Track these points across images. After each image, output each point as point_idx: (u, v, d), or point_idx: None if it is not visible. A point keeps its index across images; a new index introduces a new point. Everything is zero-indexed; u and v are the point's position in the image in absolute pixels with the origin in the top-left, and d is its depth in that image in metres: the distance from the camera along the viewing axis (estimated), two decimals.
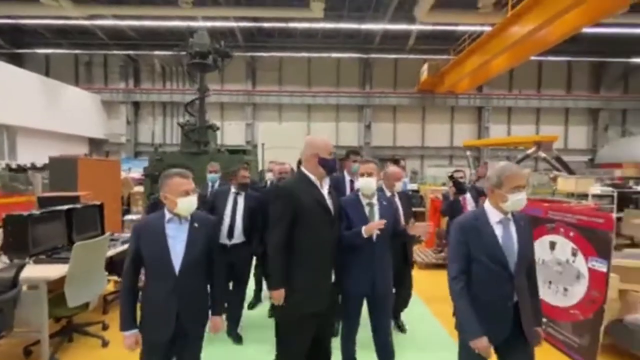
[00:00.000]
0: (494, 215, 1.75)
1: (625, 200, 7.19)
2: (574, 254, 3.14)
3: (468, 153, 15.05)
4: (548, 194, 7.72)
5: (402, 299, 3.54)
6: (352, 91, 20.26)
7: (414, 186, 13.55)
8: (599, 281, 2.88)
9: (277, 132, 19.54)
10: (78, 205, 3.96)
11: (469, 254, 1.73)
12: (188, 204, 1.85)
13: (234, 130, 20.35)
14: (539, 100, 20.03)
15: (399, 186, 3.35)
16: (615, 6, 10.05)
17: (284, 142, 18.57)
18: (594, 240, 2.96)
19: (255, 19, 16.15)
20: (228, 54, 8.34)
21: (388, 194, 3.22)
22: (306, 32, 18.21)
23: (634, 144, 17.04)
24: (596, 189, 6.97)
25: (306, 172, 2.12)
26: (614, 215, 6.48)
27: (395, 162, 17.99)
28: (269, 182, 4.85)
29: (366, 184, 2.40)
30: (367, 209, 2.41)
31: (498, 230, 1.72)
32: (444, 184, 12.35)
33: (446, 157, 20.77)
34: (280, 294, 1.98)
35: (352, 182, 3.69)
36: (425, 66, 18.04)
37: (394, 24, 15.86)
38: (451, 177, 4.88)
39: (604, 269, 2.84)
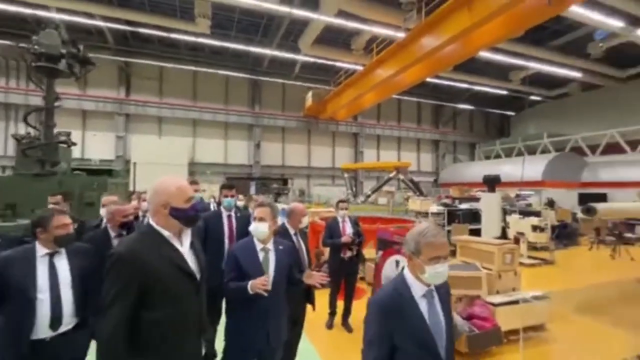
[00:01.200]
0: (417, 288, 1.48)
1: (452, 216, 9.34)
2: None
3: (346, 175, 16.91)
4: (402, 212, 9.44)
5: (296, 334, 3.06)
6: (242, 110, 20.23)
7: None
8: None
9: (155, 146, 17.82)
10: None
11: (392, 342, 1.44)
12: None
13: (100, 142, 17.46)
14: (399, 131, 24.26)
15: (304, 222, 3.36)
16: (443, 65, 13.26)
17: (164, 157, 17.08)
18: None
19: (129, 22, 14.53)
20: (88, 61, 7.15)
21: (292, 232, 3.02)
22: (192, 45, 17.41)
23: (461, 169, 22.60)
24: (434, 208, 8.88)
25: (157, 226, 1.56)
26: (446, 228, 8.28)
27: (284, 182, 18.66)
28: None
29: (256, 229, 2.21)
30: (261, 255, 2.20)
31: (423, 307, 1.46)
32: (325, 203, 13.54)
33: (329, 177, 22.71)
34: None
35: (231, 216, 3.42)
36: (310, 93, 19.63)
37: (281, 51, 16.77)
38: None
39: None
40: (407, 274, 1.53)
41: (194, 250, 1.68)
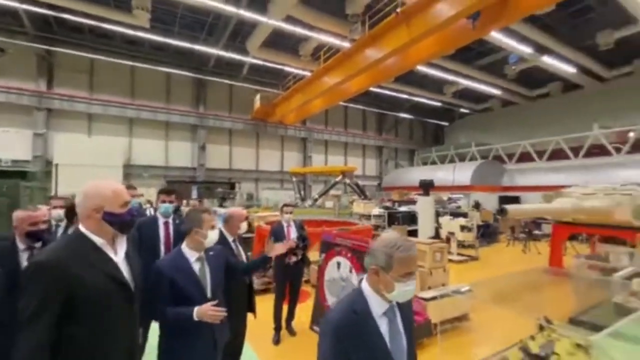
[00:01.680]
0: (377, 305, 1.33)
1: (392, 218, 9.96)
2: (351, 271, 4.20)
3: (294, 179, 17.01)
4: (347, 214, 9.83)
5: (237, 346, 2.90)
6: (186, 110, 19.23)
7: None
8: None
9: (84, 146, 16.07)
10: None
11: None
12: None
13: (12, 140, 15.23)
14: (346, 137, 25.12)
15: (243, 228, 3.10)
16: (385, 76, 14.12)
17: (95, 158, 15.46)
18: (361, 259, 4.07)
19: (51, 6, 12.94)
20: None
21: (230, 238, 2.88)
22: (129, 38, 16.14)
23: (401, 174, 24.16)
24: (376, 210, 9.39)
25: (87, 232, 1.44)
26: (386, 229, 8.73)
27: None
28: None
29: (213, 239, 2.15)
30: (196, 267, 2.03)
31: (383, 326, 1.33)
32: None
33: (278, 181, 22.60)
34: None
35: (168, 223, 3.18)
36: (258, 96, 19.40)
37: (227, 51, 16.36)
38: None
39: None
40: (366, 289, 1.35)
41: (129, 259, 1.56)
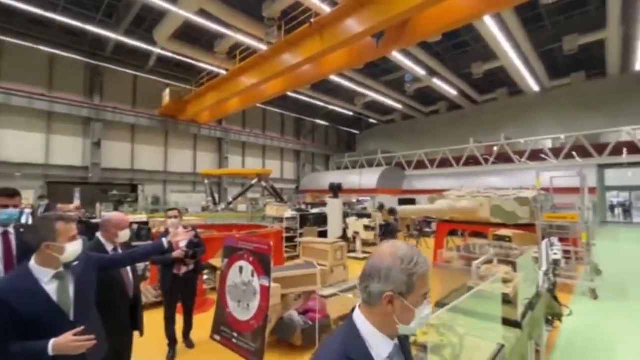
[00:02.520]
0: (380, 347, 0.98)
1: (304, 220, 10.29)
2: (253, 275, 4.22)
3: (206, 181, 16.16)
4: (260, 218, 9.80)
5: None
6: (76, 99, 16.51)
7: (143, 217, 12.88)
8: (265, 293, 3.99)
9: None
10: None
11: None
12: None
13: None
14: (264, 139, 24.96)
15: (123, 236, 2.62)
16: (301, 82, 14.56)
17: None
18: (263, 262, 4.12)
19: None
20: None
21: (109, 247, 2.52)
22: None
23: (317, 178, 25.20)
24: (288, 213, 9.58)
25: None
26: (298, 231, 9.00)
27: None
28: None
29: (74, 253, 1.72)
30: (52, 287, 1.62)
31: None
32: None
33: (190, 183, 21.12)
34: None
35: (8, 234, 2.46)
36: (168, 91, 17.88)
37: (131, 38, 14.68)
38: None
39: (267, 284, 4.02)
40: (365, 327, 0.98)
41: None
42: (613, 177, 18.14)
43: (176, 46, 15.00)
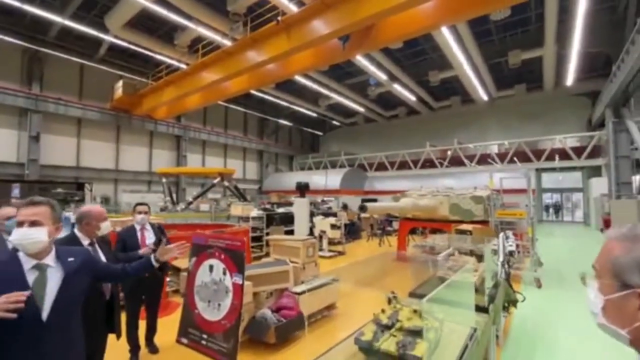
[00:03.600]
0: None
1: (271, 220, 10.15)
2: (224, 273, 4.07)
3: (164, 180, 15.28)
4: (224, 218, 9.48)
5: None
6: (9, 87, 14.72)
7: None
8: (238, 292, 3.87)
9: None
10: None
11: None
12: None
13: None
14: (225, 138, 24.21)
15: (105, 228, 2.47)
16: (266, 81, 14.36)
17: None
18: (235, 259, 3.99)
19: None
20: None
21: (86, 242, 2.36)
22: None
23: (281, 178, 25.00)
24: (254, 212, 9.39)
25: None
26: (265, 230, 8.88)
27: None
28: None
29: (26, 238, 1.49)
30: (32, 278, 1.49)
31: None
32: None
33: (145, 182, 19.81)
34: None
35: None
36: (120, 82, 16.64)
37: (78, 22, 13.43)
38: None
39: (240, 281, 3.90)
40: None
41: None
42: (547, 180, 20.38)
43: (131, 35, 14.02)
